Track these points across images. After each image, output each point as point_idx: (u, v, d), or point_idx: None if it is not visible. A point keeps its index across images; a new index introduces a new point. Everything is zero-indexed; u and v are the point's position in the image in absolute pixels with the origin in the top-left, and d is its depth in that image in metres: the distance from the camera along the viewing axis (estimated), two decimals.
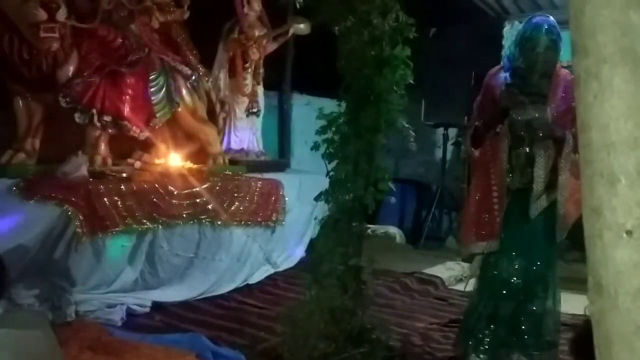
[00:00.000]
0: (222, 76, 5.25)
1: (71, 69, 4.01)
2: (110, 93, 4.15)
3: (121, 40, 4.24)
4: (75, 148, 4.00)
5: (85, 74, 4.06)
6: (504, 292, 2.84)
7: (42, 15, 3.71)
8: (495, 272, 2.85)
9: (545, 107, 2.74)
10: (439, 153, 6.94)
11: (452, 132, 6.69)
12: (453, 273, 4.96)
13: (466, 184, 3.04)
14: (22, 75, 3.91)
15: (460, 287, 4.75)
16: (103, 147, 4.18)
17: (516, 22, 5.78)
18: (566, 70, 2.73)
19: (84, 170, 3.83)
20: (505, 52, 2.88)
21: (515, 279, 2.82)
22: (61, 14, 3.79)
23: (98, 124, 4.11)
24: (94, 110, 4.08)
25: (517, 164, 2.79)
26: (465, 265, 4.67)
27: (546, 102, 2.75)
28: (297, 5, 2.99)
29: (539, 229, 2.81)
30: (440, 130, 6.78)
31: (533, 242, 2.83)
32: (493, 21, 6.45)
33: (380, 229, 6.13)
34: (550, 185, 2.76)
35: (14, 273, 3.14)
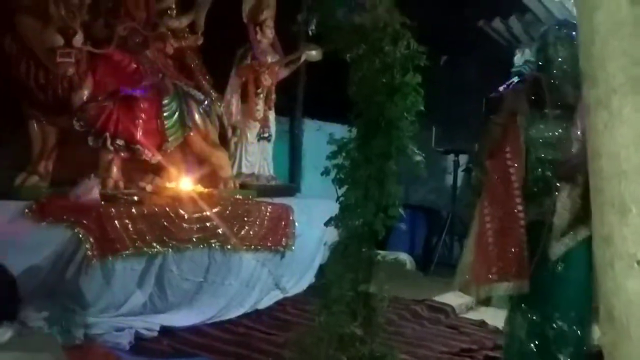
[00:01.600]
0: (234, 101, 5.31)
1: (86, 93, 4.09)
2: (123, 117, 4.21)
3: (135, 66, 4.31)
4: (88, 171, 4.04)
5: (99, 98, 4.13)
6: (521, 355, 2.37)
7: (59, 40, 3.80)
8: (509, 328, 2.43)
9: (571, 122, 2.29)
10: (449, 179, 6.93)
11: (463, 158, 6.69)
12: (464, 301, 4.90)
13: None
14: (38, 99, 3.98)
15: (471, 315, 4.70)
16: (115, 170, 4.22)
17: (527, 50, 5.81)
18: None
19: (95, 193, 3.86)
20: (520, 67, 2.62)
21: (533, 339, 2.34)
22: (77, 40, 3.87)
23: (111, 148, 4.15)
24: (107, 134, 4.13)
25: (533, 190, 2.37)
26: None
27: (573, 114, 2.28)
28: (309, 33, 3.04)
29: (562, 275, 2.30)
30: (451, 156, 6.78)
31: (554, 290, 2.31)
32: (504, 49, 6.48)
33: (390, 255, 6.09)
34: (578, 220, 2.24)
35: (24, 295, 3.15)
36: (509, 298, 2.47)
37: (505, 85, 2.64)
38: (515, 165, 2.36)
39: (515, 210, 2.34)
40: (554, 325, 2.30)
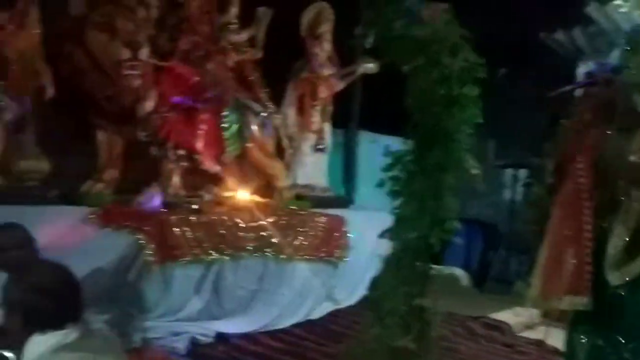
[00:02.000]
0: (291, 113, 5.38)
1: (150, 104, 4.23)
2: (185, 128, 4.35)
3: (197, 78, 4.45)
4: (151, 179, 4.18)
5: (162, 109, 4.27)
6: None
7: (126, 53, 3.96)
8: (569, 350, 2.27)
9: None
10: (507, 194, 6.77)
11: (521, 173, 6.53)
12: (521, 319, 4.76)
13: (539, 226, 2.34)
14: (105, 110, 4.16)
15: (529, 334, 4.56)
16: (176, 179, 4.35)
17: (590, 63, 5.63)
18: None
19: (157, 201, 3.99)
20: (593, 69, 2.37)
21: None
22: (143, 53, 4.03)
23: (173, 157, 4.29)
24: (169, 144, 4.27)
25: (599, 204, 2.16)
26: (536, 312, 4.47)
27: None
28: (366, 45, 3.05)
29: (626, 299, 2.10)
30: (509, 170, 6.64)
31: (618, 314, 2.13)
32: (566, 61, 6.31)
33: (445, 269, 5.99)
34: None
35: (88, 298, 3.27)
36: (570, 317, 2.33)
37: (573, 85, 2.47)
38: (587, 176, 2.15)
39: (583, 224, 2.14)
40: (619, 351, 2.12)
